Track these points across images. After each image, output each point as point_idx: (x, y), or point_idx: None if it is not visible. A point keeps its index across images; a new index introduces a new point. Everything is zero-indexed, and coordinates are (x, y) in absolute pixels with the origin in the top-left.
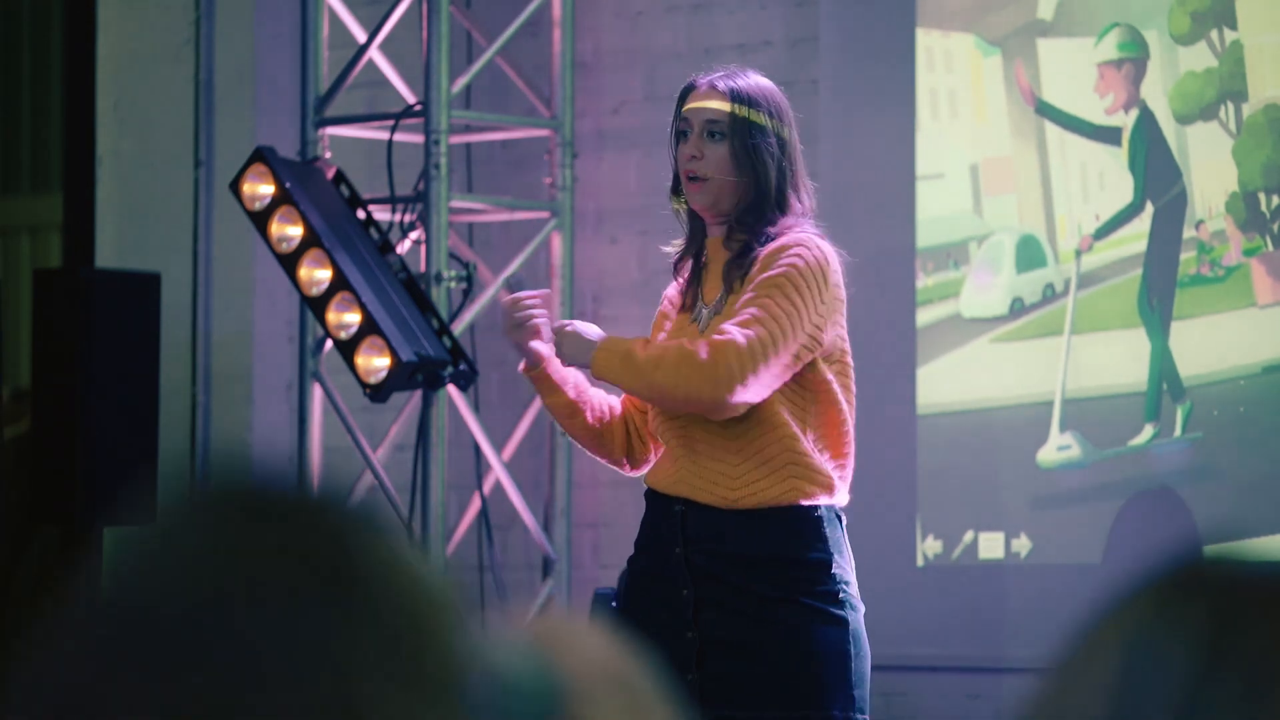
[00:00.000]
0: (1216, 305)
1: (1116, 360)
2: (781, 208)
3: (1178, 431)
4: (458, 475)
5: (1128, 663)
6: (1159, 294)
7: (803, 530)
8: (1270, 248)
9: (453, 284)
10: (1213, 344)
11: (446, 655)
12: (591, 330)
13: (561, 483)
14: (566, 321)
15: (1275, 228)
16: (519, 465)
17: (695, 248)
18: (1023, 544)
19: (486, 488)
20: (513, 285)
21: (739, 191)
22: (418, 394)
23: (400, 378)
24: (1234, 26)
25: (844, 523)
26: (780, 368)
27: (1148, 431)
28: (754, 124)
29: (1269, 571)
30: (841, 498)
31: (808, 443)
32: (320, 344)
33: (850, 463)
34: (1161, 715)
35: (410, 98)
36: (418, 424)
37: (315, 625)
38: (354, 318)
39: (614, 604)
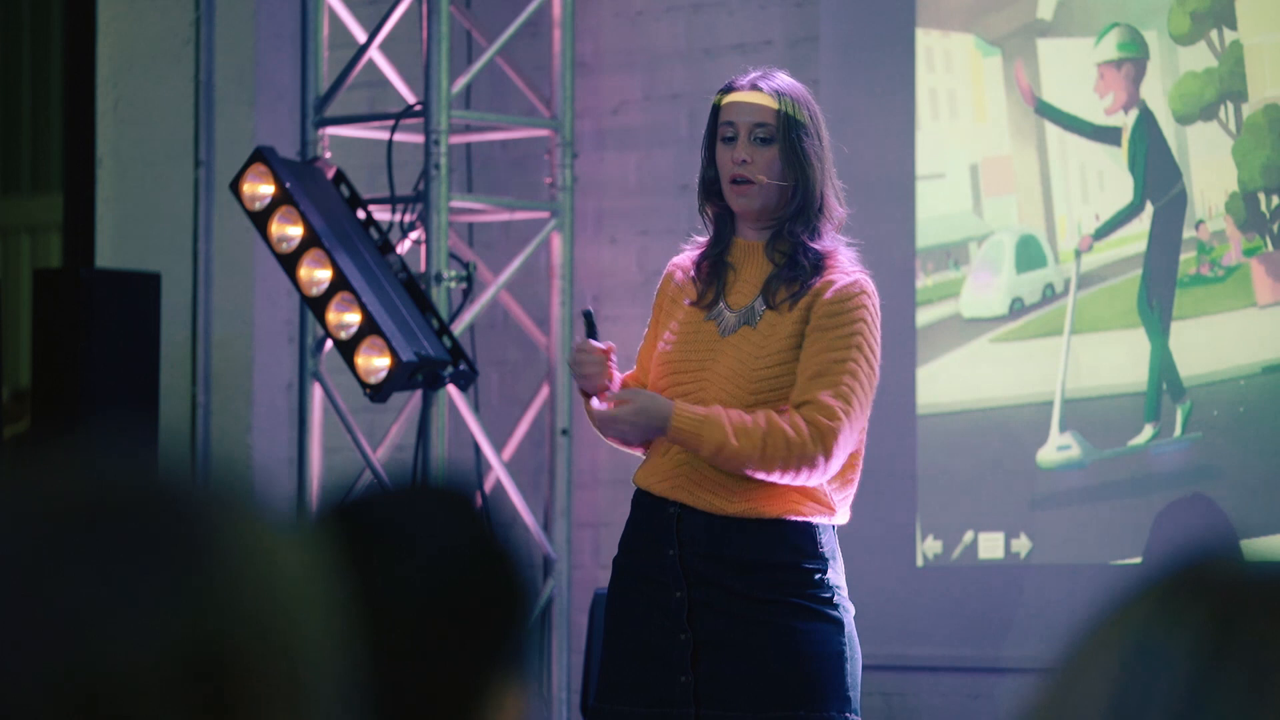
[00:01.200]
0: (1216, 305)
1: (1116, 360)
2: (822, 211)
3: (1178, 431)
4: (457, 476)
5: (1129, 663)
6: (1159, 294)
7: (799, 539)
8: (1270, 248)
9: (453, 284)
10: (1213, 344)
11: (290, 653)
12: (647, 407)
13: (561, 483)
14: (627, 399)
15: (1275, 228)
16: (519, 465)
17: (720, 248)
18: (1023, 544)
19: (486, 488)
20: (586, 315)
21: (785, 196)
22: (418, 394)
23: (400, 378)
24: (1234, 26)
25: (835, 529)
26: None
27: (1148, 431)
28: (800, 124)
29: (1270, 572)
30: (841, 517)
31: None
32: (320, 344)
33: (854, 487)
34: (1163, 716)
35: (410, 98)
36: (418, 424)
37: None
38: (354, 318)
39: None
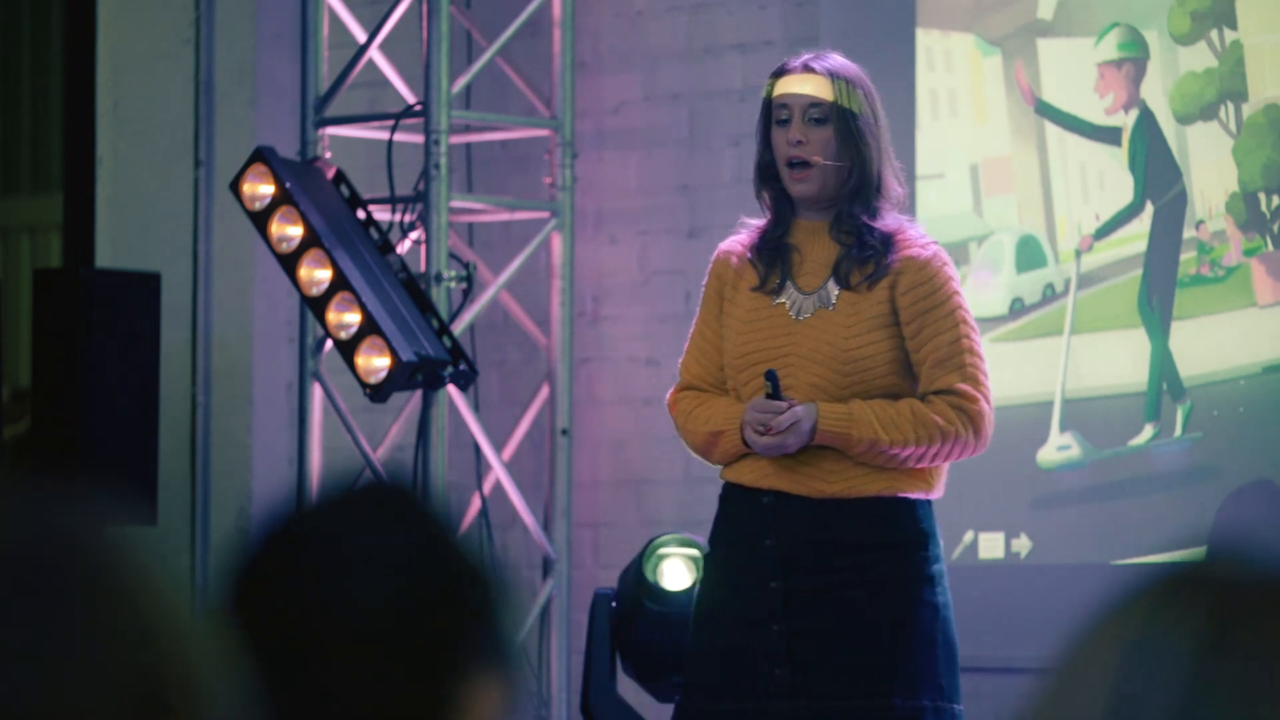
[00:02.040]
0: (1216, 305)
1: (1116, 360)
2: (880, 191)
3: (1178, 431)
4: (458, 475)
5: (1128, 662)
6: (1159, 294)
7: (899, 517)
8: (1270, 248)
9: (453, 284)
10: (1213, 344)
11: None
12: (800, 420)
13: (561, 483)
14: (792, 421)
15: (1275, 228)
16: (519, 465)
17: (781, 232)
18: (1023, 544)
19: (486, 488)
20: (771, 377)
21: (841, 176)
22: (418, 394)
23: (400, 378)
24: (1234, 26)
25: (933, 505)
26: None
27: (1148, 431)
28: (854, 104)
29: (1268, 572)
30: (938, 491)
31: None
32: (320, 344)
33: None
34: (1162, 714)
35: (410, 98)
36: (418, 424)
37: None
38: (354, 318)
39: (613, 604)
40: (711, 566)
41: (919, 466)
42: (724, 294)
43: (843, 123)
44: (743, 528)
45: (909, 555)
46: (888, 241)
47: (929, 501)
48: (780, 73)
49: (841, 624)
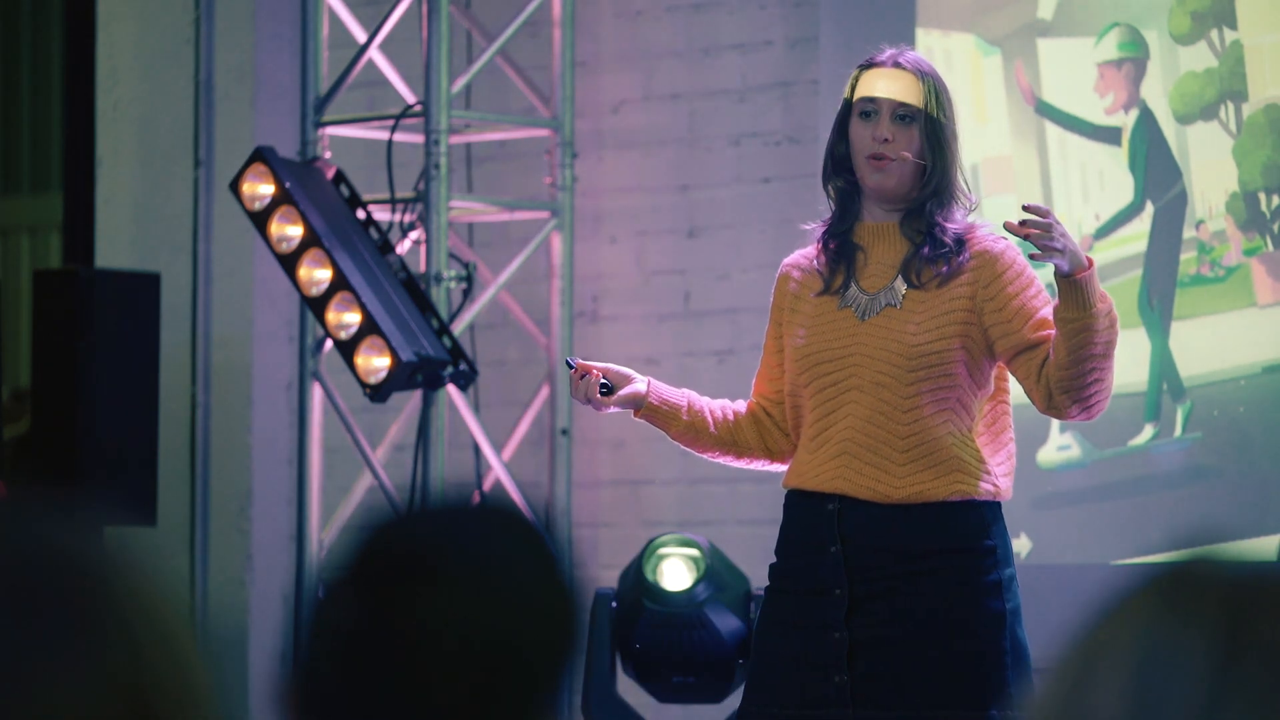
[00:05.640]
0: (1216, 305)
1: (1116, 360)
2: (954, 197)
3: (1178, 431)
4: (458, 475)
5: (1143, 660)
6: (1159, 294)
7: (966, 522)
8: (1270, 248)
9: (453, 284)
10: (1213, 344)
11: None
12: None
13: (561, 483)
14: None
15: (1275, 228)
16: (519, 465)
17: (845, 228)
18: (1023, 544)
19: (486, 487)
20: (570, 363)
21: (919, 177)
22: (418, 394)
23: (400, 378)
24: (1234, 26)
25: (1002, 506)
26: None
27: (1148, 431)
28: (940, 106)
29: (1272, 568)
30: (1006, 492)
31: (976, 444)
32: (320, 344)
33: (1013, 459)
34: (1185, 710)
35: (410, 98)
36: (418, 424)
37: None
38: (354, 318)
39: (613, 604)
40: (776, 575)
41: (1094, 377)
42: (785, 308)
43: (930, 124)
44: (808, 535)
45: (975, 561)
46: (960, 241)
47: (997, 504)
48: (868, 66)
49: (902, 633)
